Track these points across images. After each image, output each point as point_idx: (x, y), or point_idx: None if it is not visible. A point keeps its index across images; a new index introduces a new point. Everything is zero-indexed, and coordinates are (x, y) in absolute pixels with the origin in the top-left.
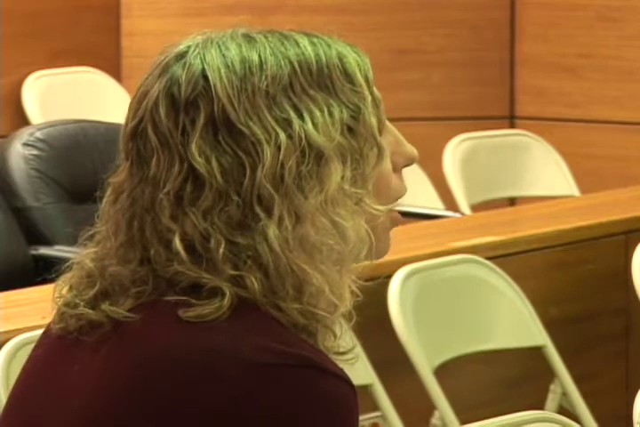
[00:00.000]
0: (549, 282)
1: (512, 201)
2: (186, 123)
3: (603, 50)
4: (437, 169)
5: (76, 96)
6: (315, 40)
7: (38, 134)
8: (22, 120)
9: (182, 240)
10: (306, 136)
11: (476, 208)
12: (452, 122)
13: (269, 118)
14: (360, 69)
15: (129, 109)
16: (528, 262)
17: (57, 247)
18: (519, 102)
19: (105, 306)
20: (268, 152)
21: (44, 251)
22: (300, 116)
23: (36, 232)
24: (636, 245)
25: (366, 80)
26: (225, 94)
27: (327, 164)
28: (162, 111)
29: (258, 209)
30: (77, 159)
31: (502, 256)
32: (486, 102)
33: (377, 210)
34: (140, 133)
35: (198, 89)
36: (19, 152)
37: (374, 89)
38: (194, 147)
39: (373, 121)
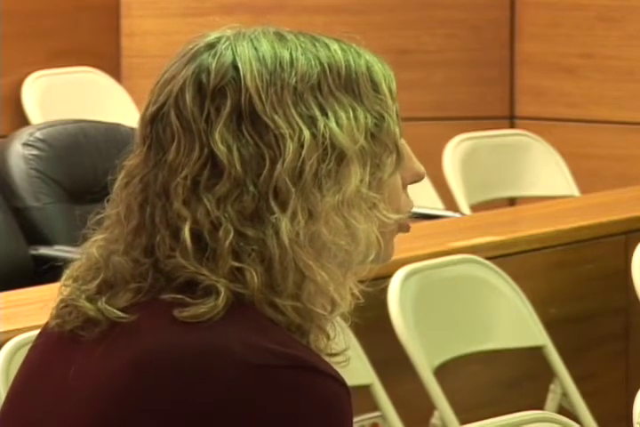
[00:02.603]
0: (549, 282)
1: (512, 201)
2: (211, 110)
3: (603, 50)
4: (437, 169)
5: (76, 96)
6: (344, 46)
7: (38, 134)
8: (22, 120)
9: (191, 228)
10: (330, 135)
11: (475, 208)
12: (452, 122)
13: (295, 114)
14: (385, 80)
15: (151, 94)
16: (528, 262)
17: (57, 247)
18: (519, 102)
19: (101, 303)
20: (290, 147)
21: (43, 251)
22: (326, 116)
23: (36, 232)
24: (635, 245)
25: (390, 91)
26: (254, 86)
27: (348, 165)
28: (187, 97)
29: (273, 202)
30: (77, 159)
31: (502, 256)
32: (486, 102)
33: (389, 218)
34: (160, 118)
35: (227, 78)
36: (19, 152)
37: (396, 101)
38: (217, 134)
39: (396, 130)
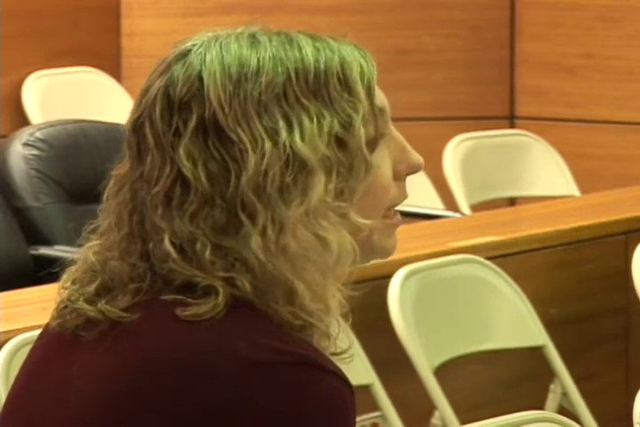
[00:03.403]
0: (549, 282)
1: (512, 201)
2: (179, 124)
3: (603, 50)
4: (437, 169)
5: (75, 96)
6: (319, 44)
7: (38, 134)
8: (22, 120)
9: (171, 240)
10: (291, 146)
11: (475, 208)
12: (452, 122)
13: (258, 126)
14: (362, 77)
15: (134, 102)
16: (528, 262)
17: (57, 247)
18: (519, 102)
19: (102, 304)
20: (252, 160)
21: (43, 251)
22: (290, 126)
23: (36, 232)
24: (636, 245)
25: (368, 88)
26: (217, 98)
27: (311, 175)
28: (157, 110)
29: (242, 216)
30: (77, 159)
31: (502, 256)
32: (486, 102)
33: (361, 224)
34: (139, 128)
35: (193, 91)
36: (19, 152)
37: (376, 98)
38: (182, 150)
39: (363, 133)
